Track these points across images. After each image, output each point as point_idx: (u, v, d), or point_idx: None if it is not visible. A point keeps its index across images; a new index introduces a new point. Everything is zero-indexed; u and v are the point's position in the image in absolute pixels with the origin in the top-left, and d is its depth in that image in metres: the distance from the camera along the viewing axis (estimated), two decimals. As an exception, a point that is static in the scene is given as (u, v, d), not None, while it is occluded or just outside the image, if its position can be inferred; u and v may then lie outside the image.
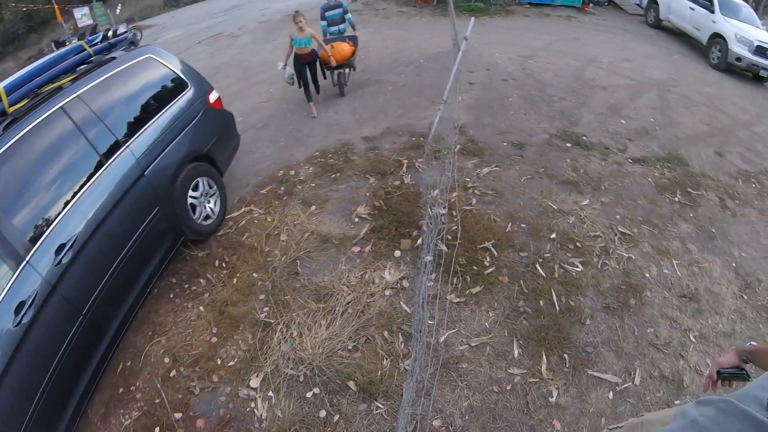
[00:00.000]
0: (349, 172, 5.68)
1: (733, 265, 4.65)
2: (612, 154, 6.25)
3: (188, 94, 4.88)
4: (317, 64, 7.49)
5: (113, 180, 3.73)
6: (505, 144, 6.25)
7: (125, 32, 4.87)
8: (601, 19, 15.52)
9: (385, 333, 3.64)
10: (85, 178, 3.53)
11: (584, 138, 6.55)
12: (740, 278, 4.50)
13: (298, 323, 3.79)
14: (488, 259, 4.27)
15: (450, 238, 4.40)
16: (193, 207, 4.65)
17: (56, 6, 21.79)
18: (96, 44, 4.44)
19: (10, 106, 3.33)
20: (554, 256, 4.36)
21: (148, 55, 4.63)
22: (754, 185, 6.16)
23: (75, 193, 3.43)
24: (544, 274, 4.15)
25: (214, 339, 3.81)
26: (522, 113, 7.25)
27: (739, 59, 11.18)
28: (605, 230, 4.78)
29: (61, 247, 3.16)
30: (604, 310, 3.90)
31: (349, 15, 8.52)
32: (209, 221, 4.88)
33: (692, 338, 3.77)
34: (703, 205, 5.47)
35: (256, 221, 5.03)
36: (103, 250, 3.51)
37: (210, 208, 4.92)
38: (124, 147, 3.92)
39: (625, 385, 3.34)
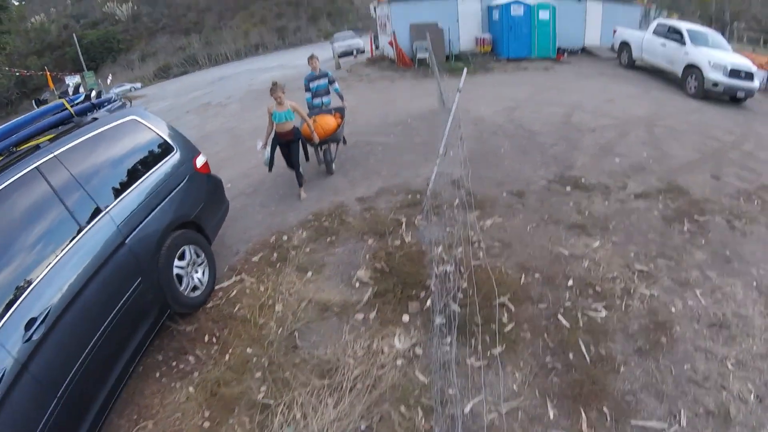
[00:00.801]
0: (345, 234, 5.34)
1: (754, 284, 4.31)
2: (613, 192, 6.01)
3: (174, 157, 4.61)
4: (300, 143, 6.60)
5: (91, 248, 3.38)
6: (504, 194, 6.00)
7: (115, 101, 4.65)
8: (577, 67, 15.87)
9: (402, 408, 3.16)
10: (60, 246, 3.21)
11: (583, 180, 6.33)
12: (764, 296, 4.14)
13: (301, 403, 3.30)
14: (506, 315, 3.85)
15: (462, 296, 3.99)
16: (180, 277, 4.24)
17: (48, 73, 22.23)
18: (78, 104, 4.21)
19: None
20: (575, 304, 3.96)
21: (131, 117, 4.40)
22: (756, 202, 5.94)
23: (48, 263, 3.08)
24: (567, 325, 3.74)
25: (207, 424, 3.31)
26: (517, 162, 7.09)
27: (716, 84, 11.41)
28: (622, 270, 4.42)
29: (32, 321, 2.81)
30: (636, 353, 3.49)
31: (336, 85, 7.87)
32: (197, 292, 4.44)
33: (730, 366, 3.38)
34: (712, 229, 5.20)
35: (248, 291, 4.60)
36: (79, 325, 3.13)
37: (198, 278, 4.50)
38: (103, 213, 3.61)
39: (672, 429, 2.93)
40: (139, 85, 37.66)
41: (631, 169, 6.76)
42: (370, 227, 5.38)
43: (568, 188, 6.12)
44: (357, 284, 4.43)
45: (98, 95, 4.56)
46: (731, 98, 11.53)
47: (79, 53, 42.31)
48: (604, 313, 3.86)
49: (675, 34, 12.91)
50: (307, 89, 7.86)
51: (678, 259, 4.63)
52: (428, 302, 4.02)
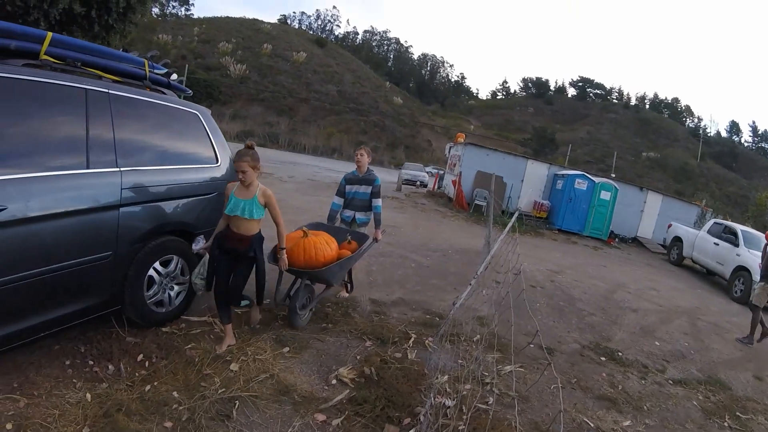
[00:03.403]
0: (344, 327, 4.51)
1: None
2: (651, 373, 5.09)
3: (213, 168, 4.27)
4: (255, 264, 3.76)
5: (83, 189, 3.06)
6: (532, 346, 5.09)
7: (189, 95, 4.71)
8: (625, 253, 15.34)
9: None
10: (57, 166, 2.93)
11: (619, 354, 5.42)
12: None
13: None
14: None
15: (453, 440, 3.02)
16: (151, 282, 3.64)
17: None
18: (156, 73, 4.00)
19: (47, 55, 3.07)
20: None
21: (196, 112, 4.22)
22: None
23: (37, 172, 2.80)
24: None
25: (78, 439, 2.44)
26: (551, 320, 6.29)
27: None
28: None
29: None
30: None
31: (378, 202, 5.42)
32: (160, 309, 3.81)
33: None
34: (756, 429, 4.35)
35: (211, 337, 3.83)
36: (20, 246, 2.68)
37: (169, 295, 3.84)
38: (116, 167, 3.28)
39: None
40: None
41: (671, 355, 5.89)
42: (374, 330, 4.55)
43: (603, 358, 5.22)
44: (334, 381, 3.51)
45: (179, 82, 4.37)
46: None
47: (184, 83, 45.44)
48: None
49: (729, 235, 12.37)
50: (341, 193, 5.49)
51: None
52: (411, 432, 3.06)
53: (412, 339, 4.54)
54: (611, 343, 5.80)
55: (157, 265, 3.66)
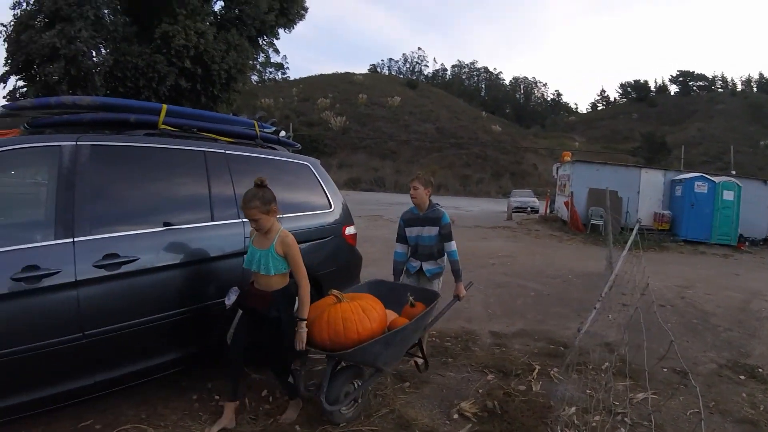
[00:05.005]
0: (465, 361, 4.50)
1: None
2: None
3: (326, 214, 4.48)
4: (281, 327, 3.09)
5: (209, 240, 3.35)
6: (664, 370, 4.79)
7: (299, 149, 4.90)
8: (759, 257, 13.87)
9: None
10: (182, 220, 3.25)
11: (760, 370, 4.90)
12: None
13: None
14: None
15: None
16: None
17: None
18: (266, 132, 4.37)
19: (165, 125, 3.38)
20: None
21: (306, 163, 4.51)
22: None
23: (163, 226, 3.13)
24: None
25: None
26: (684, 340, 5.81)
27: None
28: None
29: (114, 255, 2.81)
30: None
31: (452, 246, 4.06)
32: None
33: None
34: None
35: None
36: (147, 295, 2.98)
37: None
38: (238, 218, 3.53)
39: None
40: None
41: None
42: (495, 363, 4.50)
43: (742, 377, 4.74)
44: (456, 415, 3.50)
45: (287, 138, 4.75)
46: None
47: (291, 139, 48.47)
48: None
49: None
50: (401, 238, 4.29)
51: None
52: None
53: (536, 370, 4.41)
54: (750, 359, 5.26)
55: None
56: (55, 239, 2.65)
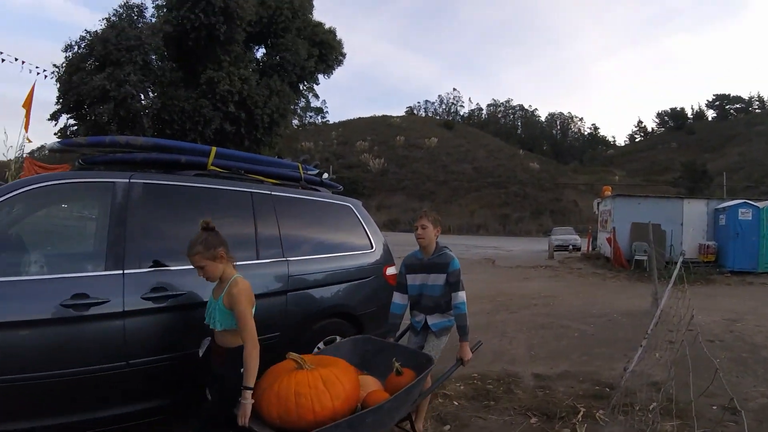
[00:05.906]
0: (507, 404, 4.47)
1: None
2: None
3: (368, 254, 4.58)
4: (223, 387, 2.63)
5: (254, 278, 3.26)
6: (714, 407, 4.64)
7: (341, 190, 5.00)
8: None
9: None
10: (235, 255, 3.23)
11: None
12: None
13: None
14: None
15: None
16: None
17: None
18: (309, 174, 4.55)
19: (214, 166, 3.55)
20: None
21: (349, 205, 4.62)
22: None
23: None
24: None
25: None
26: (733, 375, 5.57)
27: None
28: None
29: (162, 289, 2.94)
30: None
31: (460, 297, 3.37)
32: None
33: None
34: None
35: None
36: (187, 331, 3.06)
37: None
38: (282, 257, 3.68)
39: None
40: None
41: None
42: (538, 406, 4.45)
43: None
44: (499, 459, 3.54)
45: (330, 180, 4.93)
46: None
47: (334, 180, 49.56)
48: None
49: None
50: (401, 287, 3.64)
51: None
52: None
53: (581, 413, 4.33)
54: (805, 393, 4.97)
55: (321, 345, 3.90)
56: (106, 270, 2.85)
